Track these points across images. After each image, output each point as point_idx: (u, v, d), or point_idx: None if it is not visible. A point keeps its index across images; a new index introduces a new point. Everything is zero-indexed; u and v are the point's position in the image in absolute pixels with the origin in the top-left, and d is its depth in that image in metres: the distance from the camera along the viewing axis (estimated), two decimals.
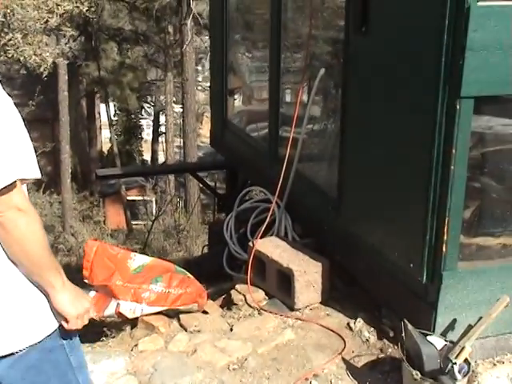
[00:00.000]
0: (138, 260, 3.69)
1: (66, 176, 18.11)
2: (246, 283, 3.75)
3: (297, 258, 3.68)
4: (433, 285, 2.93)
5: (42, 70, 11.05)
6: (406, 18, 2.92)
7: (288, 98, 4.75)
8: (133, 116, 32.24)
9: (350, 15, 3.34)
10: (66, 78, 17.71)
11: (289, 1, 4.34)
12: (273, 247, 3.81)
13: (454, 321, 2.97)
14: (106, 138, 30.68)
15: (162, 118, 29.21)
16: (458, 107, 2.68)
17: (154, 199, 22.35)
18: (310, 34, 3.62)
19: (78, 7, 10.68)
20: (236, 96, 5.93)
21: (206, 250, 6.42)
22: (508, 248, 3.08)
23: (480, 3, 2.59)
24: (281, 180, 3.91)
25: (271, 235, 4.18)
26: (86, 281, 3.60)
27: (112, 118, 28.72)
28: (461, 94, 2.66)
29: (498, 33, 2.63)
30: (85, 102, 26.87)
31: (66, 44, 12.02)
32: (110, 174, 5.63)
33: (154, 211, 21.47)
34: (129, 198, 23.61)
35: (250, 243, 3.90)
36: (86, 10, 11.34)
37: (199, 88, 26.44)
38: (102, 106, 28.65)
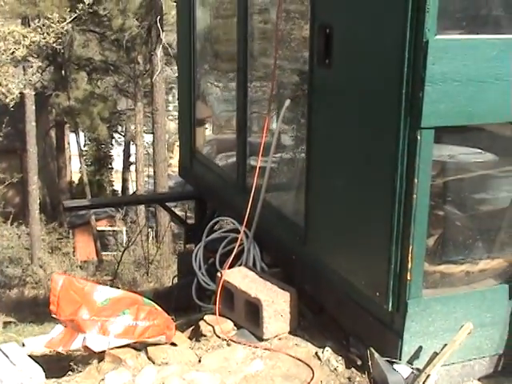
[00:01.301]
0: (104, 293, 3.68)
1: (35, 207, 17.92)
2: (215, 314, 3.74)
3: (265, 287, 3.68)
4: (398, 313, 2.96)
5: (8, 101, 11.00)
6: (367, 51, 2.99)
7: (256, 128, 4.79)
8: (103, 146, 32.16)
9: (314, 48, 3.40)
10: (34, 108, 17.62)
11: (255, 31, 4.41)
12: (241, 277, 3.82)
13: (420, 348, 3.00)
14: (76, 169, 30.52)
15: (133, 148, 29.17)
16: (418, 138, 2.74)
17: (124, 229, 22.21)
18: (275, 65, 3.67)
19: (44, 38, 10.66)
20: (207, 125, 5.97)
21: (176, 280, 6.40)
22: (471, 275, 3.13)
23: (438, 37, 2.66)
24: (248, 209, 3.93)
25: (240, 265, 4.19)
26: (53, 316, 3.58)
27: (82, 148, 28.59)
28: (421, 125, 2.72)
29: (456, 65, 2.70)
30: (54, 132, 26.73)
31: (33, 75, 11.97)
32: (77, 206, 5.60)
33: (124, 242, 21.31)
34: (99, 228, 23.42)
35: (219, 274, 3.90)
36: (53, 42, 11.32)
37: (170, 117, 26.50)
38: (72, 136, 28.52)
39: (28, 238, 18.62)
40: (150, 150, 24.12)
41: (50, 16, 10.93)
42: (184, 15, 5.37)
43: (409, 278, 2.88)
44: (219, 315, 3.74)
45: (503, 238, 3.20)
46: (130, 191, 30.53)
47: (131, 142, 30.02)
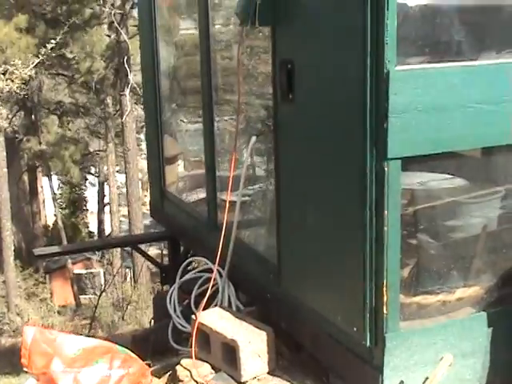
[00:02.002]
0: (77, 343, 3.58)
1: (9, 254, 17.68)
2: (192, 357, 3.66)
3: (241, 328, 3.61)
4: (377, 348, 2.90)
5: None
6: (328, 85, 2.97)
7: (226, 163, 4.75)
8: (77, 188, 31.98)
9: (276, 83, 3.38)
10: (5, 154, 17.49)
11: (219, 68, 4.40)
12: (216, 319, 3.74)
13: (402, 383, 2.93)
14: (50, 212, 30.23)
15: (107, 189, 29.02)
16: (386, 169, 2.71)
17: (101, 271, 22.00)
18: (239, 102, 3.65)
19: (8, 85, 10.60)
20: (179, 162, 5.92)
21: (152, 323, 6.29)
22: (448, 304, 3.08)
23: (398, 67, 2.65)
24: (220, 248, 3.86)
25: (215, 305, 4.12)
26: (25, 369, 3.48)
27: (55, 191, 28.39)
28: (388, 156, 2.69)
29: (419, 95, 2.69)
30: (27, 176, 26.53)
31: (1, 120, 11.90)
32: (47, 253, 5.48)
33: (102, 284, 21.09)
34: (75, 271, 23.16)
35: (193, 316, 3.82)
36: (17, 88, 11.27)
37: (143, 156, 26.46)
38: (45, 180, 28.33)
39: (3, 286, 18.33)
40: (123, 190, 24.04)
41: (12, 62, 10.90)
42: (148, 56, 5.36)
43: (385, 311, 2.83)
44: (196, 358, 3.66)
45: (478, 265, 3.17)
46: (107, 232, 30.30)
47: (105, 183, 29.90)
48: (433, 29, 3.06)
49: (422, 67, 2.75)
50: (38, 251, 5.42)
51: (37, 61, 12.88)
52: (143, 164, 26.13)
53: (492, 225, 3.28)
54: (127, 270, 21.88)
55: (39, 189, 27.28)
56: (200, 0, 4.22)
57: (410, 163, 2.82)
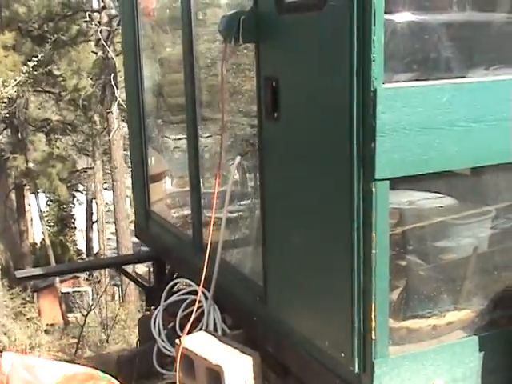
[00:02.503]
0: (58, 369, 3.48)
1: None
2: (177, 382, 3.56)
3: (226, 353, 3.51)
4: (365, 374, 2.80)
5: None
6: (314, 103, 2.89)
7: (211, 181, 4.67)
8: (64, 206, 31.77)
9: (261, 101, 3.30)
10: None
11: (203, 85, 4.32)
12: (200, 343, 3.64)
13: None
14: (38, 230, 30.00)
15: (95, 206, 28.84)
16: (373, 190, 2.63)
17: (89, 290, 21.78)
18: (223, 119, 3.57)
19: None
20: (166, 179, 5.83)
21: (138, 345, 6.17)
22: (438, 329, 2.99)
23: (386, 85, 2.58)
24: (205, 269, 3.76)
25: (200, 329, 4.02)
26: None
27: (43, 209, 28.19)
28: (375, 177, 2.61)
29: (407, 113, 2.62)
30: (14, 194, 26.33)
31: None
32: (29, 276, 5.36)
33: (90, 302, 20.87)
34: (63, 290, 22.93)
35: (177, 341, 3.71)
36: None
37: (130, 173, 26.36)
38: (32, 198, 28.13)
39: None
40: (112, 207, 23.89)
41: None
42: (131, 72, 5.28)
43: (373, 337, 2.73)
44: None
45: (469, 288, 3.08)
46: (95, 250, 30.08)
47: (93, 201, 29.73)
48: (420, 45, 3.00)
49: (411, 85, 2.67)
50: (19, 273, 5.30)
51: (18, 79, 12.76)
52: (130, 181, 26.05)
53: (483, 246, 3.21)
54: (115, 288, 21.69)
55: (27, 207, 27.06)
56: (183, 16, 4.15)
57: (398, 182, 2.73)
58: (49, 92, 22.43)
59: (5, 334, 16.69)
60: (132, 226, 22.11)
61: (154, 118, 5.39)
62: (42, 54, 14.16)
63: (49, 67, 17.22)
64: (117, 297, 21.27)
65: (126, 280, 18.32)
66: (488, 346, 2.96)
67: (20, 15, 19.28)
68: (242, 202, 4.08)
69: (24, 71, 12.73)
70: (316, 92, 2.87)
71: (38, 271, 5.44)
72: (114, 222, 18.35)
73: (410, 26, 2.96)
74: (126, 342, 14.36)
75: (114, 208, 17.50)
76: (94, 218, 30.04)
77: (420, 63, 2.89)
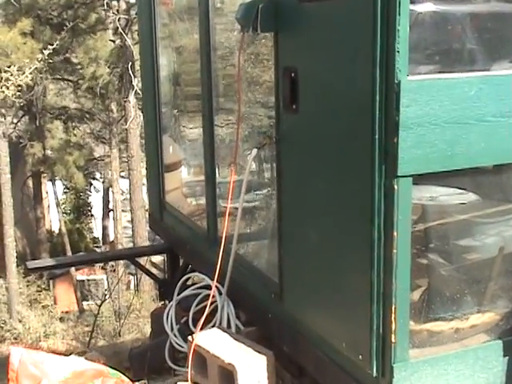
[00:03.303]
0: (67, 365, 3.41)
1: (12, 260, 17.52)
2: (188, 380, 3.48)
3: (240, 351, 3.42)
4: (384, 378, 2.69)
5: None
6: (335, 95, 2.77)
7: (226, 172, 4.57)
8: (81, 194, 31.85)
9: (279, 93, 3.19)
10: (8, 159, 17.33)
11: (220, 75, 4.21)
12: (214, 340, 3.55)
13: None
14: (55, 218, 30.10)
15: (111, 194, 28.87)
16: (395, 187, 2.51)
17: (104, 278, 21.80)
18: (240, 110, 3.46)
19: (3, 92, 10.42)
20: (182, 168, 5.75)
21: (151, 337, 6.11)
22: (461, 332, 2.88)
23: (410, 77, 2.45)
24: (219, 264, 3.66)
25: (213, 324, 3.93)
26: None
27: (60, 197, 28.28)
28: (398, 174, 2.49)
29: (432, 107, 2.49)
30: (31, 181, 26.41)
31: (5, 126, 11.73)
32: (40, 267, 5.29)
33: (105, 290, 20.92)
34: (79, 278, 23.00)
35: (190, 337, 3.62)
36: (12, 95, 11.08)
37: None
38: (49, 185, 28.22)
39: (5, 292, 18.17)
40: (128, 196, 23.88)
41: (7, 69, 10.73)
42: (148, 61, 5.18)
43: (393, 340, 2.62)
44: (192, 382, 3.48)
45: (494, 290, 2.96)
46: (111, 238, 30.14)
47: (110, 188, 29.75)
48: (443, 36, 2.87)
49: (436, 77, 2.54)
50: (31, 264, 5.23)
51: (33, 67, 12.69)
52: None
53: (509, 245, 3.08)
54: (130, 277, 21.71)
55: (44, 194, 27.14)
56: (201, 5, 4.04)
57: (420, 177, 2.61)
58: (67, 80, 22.40)
59: (20, 321, 16.79)
60: (148, 215, 22.12)
61: (170, 108, 5.30)
62: (58, 42, 14.09)
63: (66, 55, 17.16)
64: (132, 286, 21.31)
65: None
66: None
67: (39, 2, 19.22)
68: (258, 193, 3.97)
69: (39, 59, 12.66)
70: (337, 84, 2.76)
71: (49, 262, 5.39)
72: (130, 211, 18.33)
73: (432, 17, 2.83)
74: (140, 331, 14.35)
75: (130, 197, 17.46)
76: (111, 206, 30.10)
77: (442, 55, 2.76)
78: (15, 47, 15.27)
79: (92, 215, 33.94)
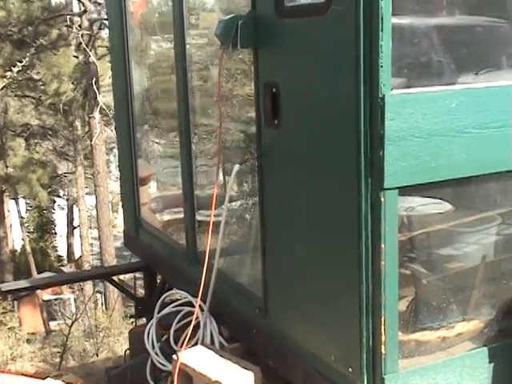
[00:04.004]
0: None
1: None
2: None
3: (226, 368, 3.40)
4: None
5: None
6: (318, 110, 2.80)
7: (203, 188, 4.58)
8: (45, 211, 31.46)
9: (260, 108, 3.20)
10: None
11: (194, 90, 4.22)
12: (198, 358, 3.52)
13: None
14: (18, 237, 29.64)
15: (76, 211, 28.55)
16: (382, 199, 2.54)
17: (71, 297, 21.53)
18: (221, 127, 3.46)
19: None
20: (151, 183, 5.72)
21: (128, 354, 6.04)
22: (447, 340, 2.91)
23: (394, 91, 2.49)
24: (203, 280, 3.64)
25: (196, 341, 3.91)
26: None
27: (23, 215, 27.87)
28: (384, 186, 2.53)
29: (416, 120, 2.54)
30: None
31: None
32: (15, 289, 5.19)
33: (73, 309, 20.65)
34: (44, 298, 22.63)
35: (174, 356, 3.60)
36: None
37: (112, 178, 26.08)
38: (12, 203, 27.81)
39: None
40: (93, 212, 23.64)
41: None
42: (120, 77, 5.16)
43: (383, 351, 2.64)
44: None
45: (477, 298, 3.00)
46: (76, 255, 29.79)
47: (74, 206, 29.43)
48: (412, 49, 2.92)
49: (419, 91, 2.59)
50: (4, 287, 5.14)
51: (2, 85, 12.55)
52: (113, 186, 25.79)
53: (490, 254, 3.13)
54: (98, 295, 21.46)
55: (6, 213, 26.72)
56: (175, 20, 4.04)
57: (405, 190, 2.65)
58: (28, 96, 22.15)
59: None
60: (115, 231, 21.89)
61: (140, 123, 5.27)
62: (27, 59, 13.93)
63: (28, 72, 16.98)
64: (100, 304, 21.05)
65: (110, 287, 18.11)
66: (498, 357, 2.89)
67: None
68: (237, 207, 3.97)
69: (9, 77, 12.53)
70: (320, 98, 2.78)
71: (24, 284, 5.29)
72: (98, 228, 18.14)
73: (399, 30, 2.88)
74: (111, 350, 14.17)
75: (97, 213, 17.28)
76: (75, 223, 29.77)
77: (412, 68, 2.81)
78: None
79: (56, 233, 33.55)
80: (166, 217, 5.38)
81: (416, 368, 2.77)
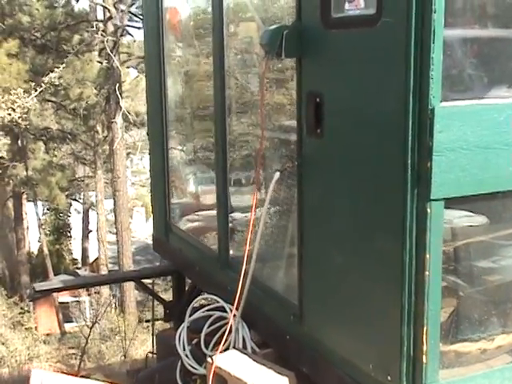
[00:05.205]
0: None
1: None
2: None
3: (261, 373, 3.43)
4: None
5: None
6: (364, 120, 2.83)
7: (238, 200, 4.62)
8: (61, 215, 31.64)
9: (302, 117, 3.24)
10: None
11: (232, 96, 4.26)
12: (234, 362, 3.56)
13: None
14: (33, 239, 29.82)
15: (92, 215, 28.70)
16: (428, 210, 2.57)
17: (87, 299, 21.61)
18: (263, 135, 3.50)
19: (9, 114, 10.34)
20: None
21: (150, 357, 6.08)
22: (487, 352, 2.93)
23: (444, 103, 2.52)
24: (240, 287, 3.68)
25: (227, 346, 3.94)
26: None
27: (40, 217, 28.06)
28: (431, 197, 2.55)
29: (464, 132, 2.56)
30: (11, 203, 26.18)
31: None
32: (48, 289, 5.25)
33: (87, 312, 20.73)
34: (60, 300, 22.75)
35: (209, 359, 3.63)
36: (19, 117, 11.01)
37: (128, 183, 26.22)
38: (30, 206, 27.99)
39: None
40: (109, 217, 23.76)
41: (14, 91, 10.68)
42: (154, 85, 5.22)
43: (424, 360, 2.66)
44: None
45: None
46: (91, 259, 29.92)
47: (89, 210, 29.59)
48: (477, 64, 2.95)
49: (468, 104, 2.62)
50: (38, 286, 5.20)
51: (39, 90, 12.71)
52: (129, 191, 25.90)
53: None
54: (113, 298, 21.54)
55: (23, 215, 26.92)
56: (215, 29, 4.09)
57: (451, 202, 2.67)
58: (49, 101, 22.33)
59: (3, 343, 16.57)
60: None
61: (176, 130, 5.33)
62: (62, 66, 14.03)
63: (50, 76, 17.11)
64: (114, 308, 21.12)
65: (126, 291, 18.19)
66: None
67: (23, 24, 19.22)
68: (275, 218, 4.00)
69: (46, 81, 12.67)
70: (366, 109, 2.81)
71: (57, 284, 5.35)
72: (116, 232, 18.22)
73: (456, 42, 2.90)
74: (127, 354, 14.25)
75: (116, 218, 17.37)
76: (90, 227, 29.92)
77: (476, 81, 2.84)
78: (1, 68, 15.24)
79: (71, 236, 33.71)
80: (195, 223, 5.42)
81: (456, 379, 2.79)
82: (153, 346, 6.27)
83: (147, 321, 15.50)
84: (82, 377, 5.93)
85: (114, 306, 20.89)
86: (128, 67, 21.44)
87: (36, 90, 12.67)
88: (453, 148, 2.55)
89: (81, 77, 17.18)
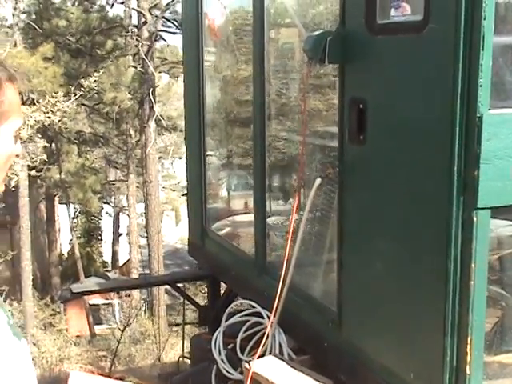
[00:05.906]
0: None
1: (27, 283, 17.53)
2: None
3: (299, 379, 3.42)
4: None
5: (13, 183, 10.72)
6: (409, 127, 2.81)
7: (273, 205, 4.61)
8: (92, 218, 31.89)
9: (344, 123, 3.22)
10: (27, 183, 17.42)
11: (272, 102, 4.26)
12: (271, 368, 3.55)
13: None
14: (64, 241, 30.12)
15: (123, 219, 28.92)
16: (475, 219, 2.54)
17: (117, 302, 21.76)
18: (304, 141, 3.49)
19: (49, 117, 10.45)
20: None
21: (181, 361, 6.10)
22: None
23: (492, 111, 2.49)
24: (278, 294, 3.67)
25: (264, 352, 3.93)
26: None
27: (72, 220, 28.33)
28: (477, 205, 2.52)
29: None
30: (44, 205, 26.50)
31: (36, 156, 11.77)
32: (85, 291, 5.29)
33: (117, 315, 20.87)
34: (91, 302, 22.93)
35: (246, 364, 3.63)
36: (59, 121, 11.12)
37: (160, 188, 26.38)
38: (63, 208, 28.27)
39: (20, 315, 18.15)
40: (139, 220, 23.90)
41: (55, 94, 10.80)
42: (193, 91, 5.24)
43: (468, 372, 2.63)
44: None
45: None
46: (120, 262, 30.13)
47: (120, 213, 29.80)
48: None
49: None
50: (75, 288, 5.25)
51: (79, 94, 12.87)
52: (160, 196, 26.06)
53: None
54: (142, 301, 21.67)
55: (55, 217, 27.23)
56: (256, 34, 4.10)
57: (498, 211, 2.64)
58: (83, 105, 22.57)
59: (34, 344, 16.73)
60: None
61: (214, 136, 5.35)
62: (101, 72, 14.18)
63: (89, 80, 17.31)
64: (143, 311, 21.24)
65: (156, 294, 18.27)
66: None
67: (59, 28, 19.47)
68: (314, 225, 3.99)
69: (85, 86, 12.84)
70: (411, 116, 2.79)
71: (93, 286, 5.39)
72: (146, 236, 18.34)
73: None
74: (156, 357, 14.29)
75: (147, 222, 17.48)
76: (120, 230, 30.13)
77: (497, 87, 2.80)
78: (37, 72, 15.44)
79: (101, 239, 33.95)
80: (230, 228, 5.44)
81: None
82: (183, 350, 6.30)
83: (177, 324, 15.56)
84: (117, 379, 5.98)
85: (143, 309, 21.03)
86: (160, 72, 21.61)
87: (75, 95, 12.81)
88: (501, 156, 2.52)
89: (115, 81, 17.37)
